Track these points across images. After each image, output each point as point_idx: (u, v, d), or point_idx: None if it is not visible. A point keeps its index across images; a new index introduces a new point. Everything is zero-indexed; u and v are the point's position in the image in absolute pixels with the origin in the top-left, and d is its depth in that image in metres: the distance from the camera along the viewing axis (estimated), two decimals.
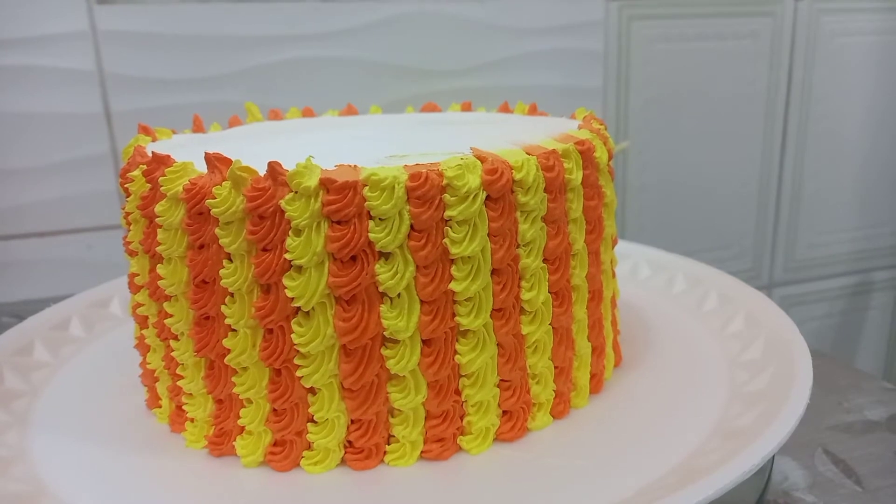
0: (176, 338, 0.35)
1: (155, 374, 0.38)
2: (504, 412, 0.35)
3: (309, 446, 0.34)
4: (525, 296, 0.34)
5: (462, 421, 0.34)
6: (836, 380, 0.47)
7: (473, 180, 0.31)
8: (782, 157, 0.93)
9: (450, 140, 0.40)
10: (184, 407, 0.36)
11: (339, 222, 0.30)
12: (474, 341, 0.33)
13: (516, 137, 0.37)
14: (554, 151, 0.35)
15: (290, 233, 0.31)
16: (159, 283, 0.34)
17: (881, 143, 0.97)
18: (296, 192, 0.30)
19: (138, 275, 0.37)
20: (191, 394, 0.36)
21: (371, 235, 0.30)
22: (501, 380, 0.35)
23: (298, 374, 0.32)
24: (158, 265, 0.34)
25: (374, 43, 0.73)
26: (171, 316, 0.35)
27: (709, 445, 0.33)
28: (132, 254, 0.37)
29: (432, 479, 0.33)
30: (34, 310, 0.49)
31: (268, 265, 0.31)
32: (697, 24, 0.84)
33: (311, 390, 0.33)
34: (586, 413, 0.38)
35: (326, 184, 0.30)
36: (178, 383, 0.36)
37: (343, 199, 0.30)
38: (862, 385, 0.47)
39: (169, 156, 0.34)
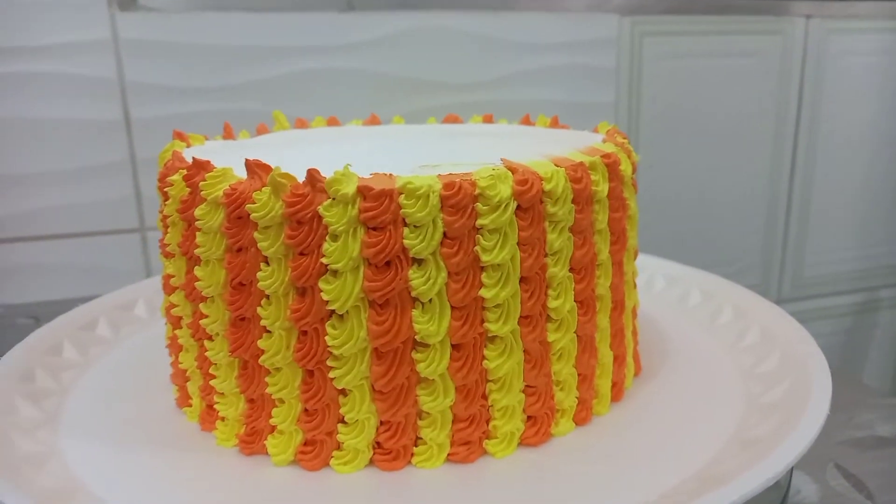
0: (210, 338, 0.36)
1: (186, 374, 0.39)
2: (528, 417, 0.36)
3: (339, 446, 0.34)
4: (552, 304, 0.35)
5: (488, 425, 0.35)
6: (845, 396, 0.48)
7: (505, 190, 0.32)
8: (791, 173, 0.94)
9: (477, 151, 0.41)
10: (215, 406, 0.37)
11: (374, 228, 0.31)
12: (502, 347, 0.34)
13: (543, 149, 0.38)
14: (582, 164, 0.36)
15: (327, 238, 0.32)
16: (196, 284, 0.35)
17: (890, 161, 0.98)
18: (333, 199, 0.31)
19: (174, 276, 0.38)
20: (223, 393, 0.37)
21: (405, 242, 0.31)
22: (527, 385, 0.36)
23: (331, 375, 0.33)
24: (196, 267, 0.35)
25: (392, 55, 0.74)
26: (207, 317, 0.36)
27: (728, 454, 0.34)
28: (169, 256, 0.38)
29: (458, 481, 0.34)
30: (51, 311, 0.50)
31: (305, 269, 0.32)
32: (709, 41, 0.85)
33: (343, 391, 0.34)
34: (608, 420, 0.39)
35: (363, 191, 0.31)
36: (211, 383, 0.37)
37: (379, 206, 0.31)
38: (870, 401, 0.48)
39: (209, 161, 0.35)
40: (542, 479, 0.34)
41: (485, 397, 0.35)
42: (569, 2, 0.78)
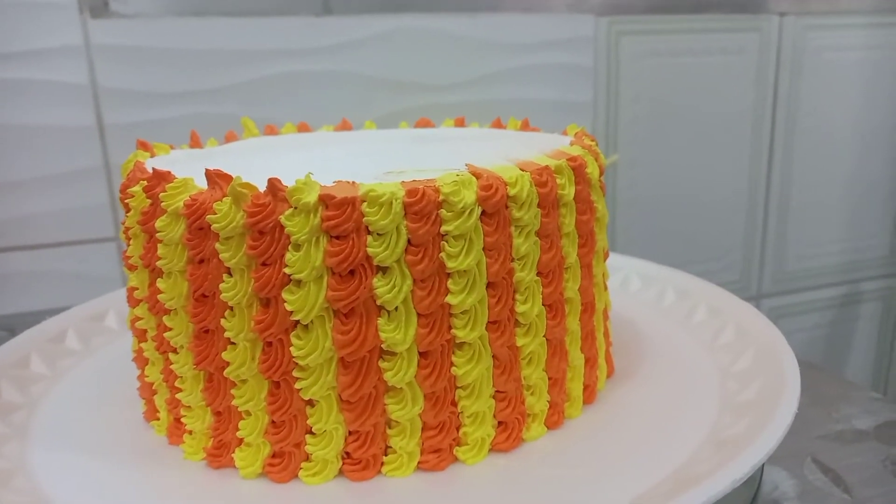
0: (175, 351, 0.36)
1: (153, 387, 0.39)
2: (499, 423, 0.36)
3: (307, 458, 0.34)
4: (520, 308, 0.35)
5: (458, 432, 0.35)
6: (825, 390, 0.48)
7: (469, 196, 0.32)
8: (770, 169, 0.94)
9: (444, 156, 0.41)
10: (182, 419, 0.36)
11: (337, 237, 0.31)
12: (470, 353, 0.34)
13: (510, 153, 0.38)
14: (547, 168, 0.35)
15: (289, 247, 0.31)
16: (159, 296, 0.35)
17: (867, 155, 0.99)
18: (295, 208, 0.31)
19: (137, 289, 0.37)
20: (189, 406, 0.36)
21: (369, 250, 0.31)
22: (497, 391, 0.35)
23: (297, 386, 0.33)
24: (158, 279, 0.35)
25: (367, 58, 0.74)
26: (171, 329, 0.35)
27: (701, 455, 0.34)
28: (132, 268, 0.37)
29: (429, 489, 0.34)
30: (27, 323, 0.49)
31: (267, 279, 0.31)
32: (685, 39, 0.85)
33: (310, 402, 0.33)
34: (580, 423, 0.39)
35: (325, 199, 0.31)
36: (177, 396, 0.36)
37: (342, 214, 0.31)
38: (850, 395, 0.47)
39: (170, 172, 0.34)
40: (514, 485, 0.34)
41: (454, 404, 0.35)
42: (545, 3, 0.78)
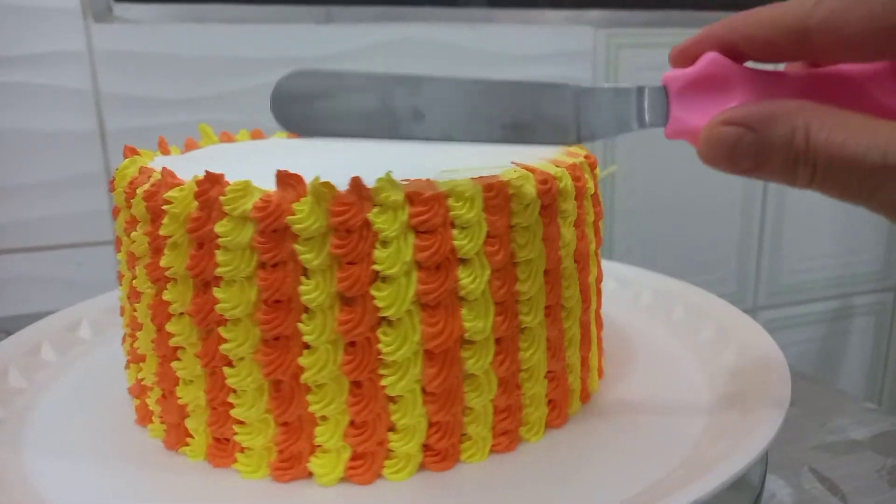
0: (231, 364, 0.33)
1: (186, 410, 0.36)
2: (549, 401, 0.38)
3: (389, 455, 0.34)
4: (565, 294, 0.38)
5: (521, 413, 0.37)
6: (820, 401, 0.49)
7: (532, 190, 0.35)
8: (765, 182, 0.93)
9: (454, 160, 0.42)
10: (236, 437, 0.34)
11: (424, 232, 0.32)
12: (531, 338, 0.36)
13: (515, 157, 0.39)
14: (575, 164, 0.39)
15: (377, 245, 0.31)
16: (217, 307, 0.32)
17: None
18: (381, 206, 0.31)
19: (173, 303, 0.34)
20: (244, 422, 0.34)
21: (455, 243, 0.32)
22: (548, 371, 0.38)
23: (383, 383, 0.33)
24: (215, 289, 0.33)
25: (368, 66, 0.73)
26: (229, 341, 0.33)
27: (701, 446, 0.35)
28: (164, 281, 0.34)
29: (501, 470, 0.35)
30: (23, 325, 0.47)
31: (356, 278, 0.31)
32: None
33: (392, 398, 0.33)
34: (602, 398, 0.42)
35: (412, 197, 0.32)
36: (232, 412, 0.34)
37: (429, 210, 0.32)
38: (845, 406, 0.48)
39: (223, 175, 0.32)
40: (579, 456, 0.36)
41: (518, 387, 0.36)
42: (545, 15, 0.79)
